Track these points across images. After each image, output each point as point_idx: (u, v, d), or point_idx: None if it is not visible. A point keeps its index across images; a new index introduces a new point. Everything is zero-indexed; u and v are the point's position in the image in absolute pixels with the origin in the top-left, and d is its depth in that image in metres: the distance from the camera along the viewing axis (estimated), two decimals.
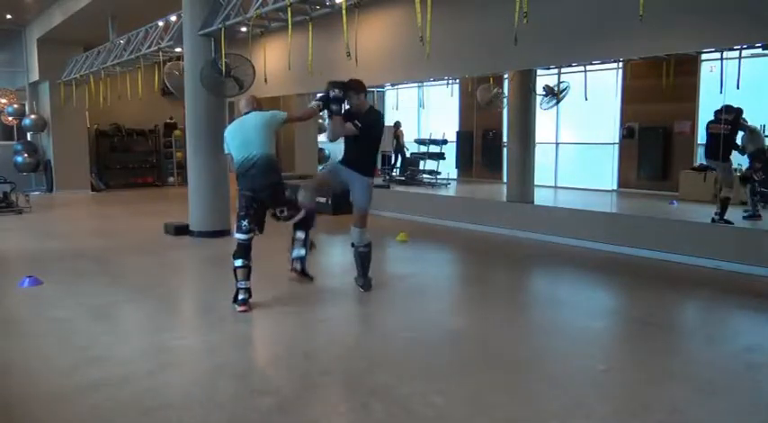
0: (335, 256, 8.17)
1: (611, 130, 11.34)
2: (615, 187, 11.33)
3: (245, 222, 4.95)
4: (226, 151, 5.20)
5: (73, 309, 5.21)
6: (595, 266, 6.70)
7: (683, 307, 5.42)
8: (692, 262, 6.45)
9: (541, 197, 10.54)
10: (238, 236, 4.98)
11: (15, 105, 15.81)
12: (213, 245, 8.17)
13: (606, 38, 6.68)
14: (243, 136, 5.02)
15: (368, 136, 5.26)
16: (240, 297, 4.92)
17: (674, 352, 4.17)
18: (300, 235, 5.26)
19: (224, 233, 8.70)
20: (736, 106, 7.66)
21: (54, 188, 15.42)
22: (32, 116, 15.49)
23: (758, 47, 6.76)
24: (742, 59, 7.09)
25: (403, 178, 14.56)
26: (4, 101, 15.81)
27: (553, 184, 12.55)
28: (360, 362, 3.92)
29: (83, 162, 15.64)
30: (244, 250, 4.93)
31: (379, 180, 14.44)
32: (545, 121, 11.49)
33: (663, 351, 4.12)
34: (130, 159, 17.02)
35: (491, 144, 13.04)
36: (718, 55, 7.65)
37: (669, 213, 7.86)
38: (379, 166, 16.74)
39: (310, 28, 7.62)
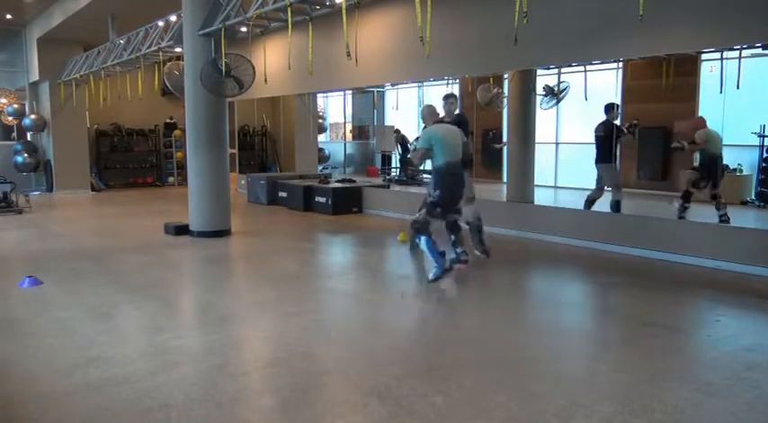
0: (335, 257, 8.18)
1: None
2: None
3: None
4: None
5: (73, 309, 5.22)
6: (595, 266, 6.70)
7: (683, 307, 5.42)
8: (693, 262, 6.45)
9: (541, 197, 10.54)
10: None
11: (15, 105, 15.81)
12: (213, 245, 8.17)
13: (606, 38, 6.68)
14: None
15: None
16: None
17: (674, 352, 4.17)
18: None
19: (224, 233, 8.71)
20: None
21: (54, 188, 15.40)
22: (32, 116, 15.48)
23: (758, 47, 6.76)
24: (742, 59, 7.09)
25: (404, 178, 14.57)
26: (4, 101, 15.81)
27: (553, 184, 12.55)
28: (360, 362, 3.92)
29: (83, 162, 15.62)
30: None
31: (378, 180, 14.46)
32: (545, 120, 11.49)
33: (663, 351, 4.12)
34: (130, 159, 17.00)
35: (491, 144, 13.03)
36: (718, 55, 7.65)
37: (669, 213, 7.85)
38: (379, 165, 16.81)
39: (310, 28, 7.62)
